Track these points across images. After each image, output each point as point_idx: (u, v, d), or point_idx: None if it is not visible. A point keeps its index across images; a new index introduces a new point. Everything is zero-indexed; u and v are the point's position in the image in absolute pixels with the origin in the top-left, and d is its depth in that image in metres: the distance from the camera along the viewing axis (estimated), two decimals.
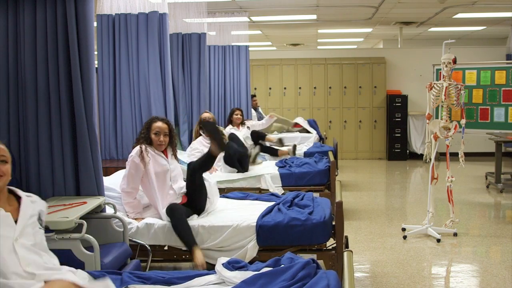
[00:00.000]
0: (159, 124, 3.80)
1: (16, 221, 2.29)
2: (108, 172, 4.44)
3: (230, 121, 6.94)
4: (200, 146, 5.32)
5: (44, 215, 2.50)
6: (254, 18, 9.14)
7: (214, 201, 3.92)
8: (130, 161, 3.74)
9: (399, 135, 10.45)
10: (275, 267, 2.58)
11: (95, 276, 2.46)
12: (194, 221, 3.64)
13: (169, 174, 3.82)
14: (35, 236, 2.32)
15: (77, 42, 3.15)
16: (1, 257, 2.16)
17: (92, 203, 3.19)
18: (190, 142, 6.07)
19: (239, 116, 6.92)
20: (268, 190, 5.33)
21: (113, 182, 4.07)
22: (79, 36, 3.15)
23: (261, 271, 2.55)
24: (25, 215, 2.35)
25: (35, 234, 2.33)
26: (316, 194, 4.49)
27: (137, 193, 3.81)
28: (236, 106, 8.10)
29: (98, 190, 3.34)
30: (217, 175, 5.41)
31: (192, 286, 2.55)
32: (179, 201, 3.81)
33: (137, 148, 3.75)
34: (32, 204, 2.43)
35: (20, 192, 2.46)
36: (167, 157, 3.89)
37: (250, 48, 8.92)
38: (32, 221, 2.36)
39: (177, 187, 3.86)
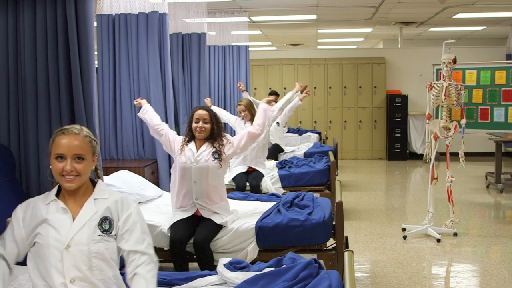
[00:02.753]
0: (199, 111, 3.66)
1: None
2: (108, 172, 4.44)
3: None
4: None
5: (125, 219, 2.12)
6: (254, 18, 9.14)
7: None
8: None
9: (399, 135, 10.45)
10: (277, 267, 2.58)
11: None
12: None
13: (191, 172, 3.58)
14: (92, 244, 2.04)
15: (77, 42, 3.15)
16: (47, 264, 2.00)
17: None
18: None
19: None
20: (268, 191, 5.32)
21: (114, 180, 4.07)
22: (79, 36, 3.15)
23: (263, 271, 2.55)
24: (83, 216, 2.08)
25: (91, 241, 2.04)
26: (316, 194, 4.48)
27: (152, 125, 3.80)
28: (236, 105, 8.09)
29: None
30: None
31: (194, 287, 2.55)
32: (194, 210, 3.63)
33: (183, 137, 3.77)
34: (99, 204, 2.13)
35: (100, 187, 2.18)
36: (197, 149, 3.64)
37: (250, 48, 8.93)
38: (91, 225, 2.07)
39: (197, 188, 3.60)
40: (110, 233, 2.09)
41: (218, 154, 3.61)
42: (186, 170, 3.58)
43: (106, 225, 2.08)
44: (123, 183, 4.15)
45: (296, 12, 8.80)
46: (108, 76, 5.18)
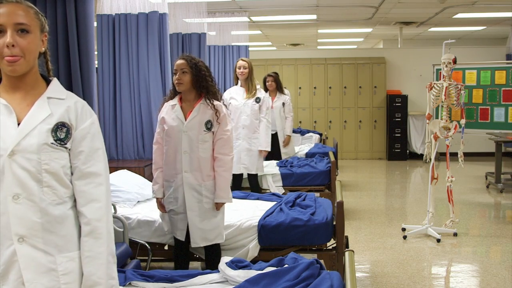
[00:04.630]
0: (177, 61, 3.14)
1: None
2: None
3: (266, 89, 6.55)
4: None
5: (83, 132, 1.66)
6: (254, 18, 9.14)
7: None
8: None
9: (399, 135, 10.45)
10: (278, 267, 2.59)
11: None
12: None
13: (181, 135, 3.12)
14: (43, 153, 1.58)
15: (77, 42, 3.15)
16: None
17: None
18: None
19: (270, 82, 6.63)
20: (268, 189, 5.33)
21: (113, 179, 4.08)
22: (79, 36, 3.16)
23: (264, 271, 2.56)
24: (33, 118, 1.59)
25: (42, 149, 1.58)
26: (316, 194, 4.49)
27: (161, 148, 3.27)
28: None
29: None
30: None
31: (195, 284, 2.57)
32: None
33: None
34: (54, 105, 1.63)
35: (55, 86, 1.68)
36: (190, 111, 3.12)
37: (250, 48, 8.93)
38: (43, 130, 1.59)
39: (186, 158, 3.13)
40: (65, 144, 1.63)
41: (211, 124, 3.15)
42: (176, 131, 3.15)
43: (62, 133, 1.62)
44: (123, 183, 4.16)
45: (296, 12, 8.80)
46: (108, 76, 5.19)
